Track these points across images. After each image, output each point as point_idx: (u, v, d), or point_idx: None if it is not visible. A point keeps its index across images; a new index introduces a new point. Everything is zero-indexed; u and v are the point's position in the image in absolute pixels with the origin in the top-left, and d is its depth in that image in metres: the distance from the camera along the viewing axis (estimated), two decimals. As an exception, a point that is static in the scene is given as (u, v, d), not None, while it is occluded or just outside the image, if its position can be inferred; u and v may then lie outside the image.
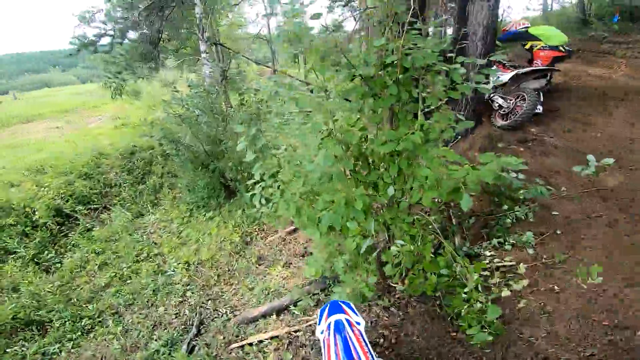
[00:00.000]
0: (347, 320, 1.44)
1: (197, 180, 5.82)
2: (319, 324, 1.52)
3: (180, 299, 3.94)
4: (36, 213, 5.14)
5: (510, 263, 2.98)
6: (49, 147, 9.15)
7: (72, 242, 4.91)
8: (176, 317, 3.68)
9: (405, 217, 2.11)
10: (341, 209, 1.57)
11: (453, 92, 1.74)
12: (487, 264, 3.02)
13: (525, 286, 2.69)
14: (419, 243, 2.17)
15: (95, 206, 6.22)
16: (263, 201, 2.52)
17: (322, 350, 1.38)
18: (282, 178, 2.14)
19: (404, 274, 2.28)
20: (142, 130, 6.25)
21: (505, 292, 2.71)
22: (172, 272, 4.35)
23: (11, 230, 4.92)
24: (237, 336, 3.15)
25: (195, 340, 3.19)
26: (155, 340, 3.23)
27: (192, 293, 4.01)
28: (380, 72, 1.65)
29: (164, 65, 10.22)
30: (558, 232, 3.15)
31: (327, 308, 1.53)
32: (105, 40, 6.08)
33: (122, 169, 7.65)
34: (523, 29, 5.21)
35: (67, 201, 5.95)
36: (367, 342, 1.36)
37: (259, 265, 4.38)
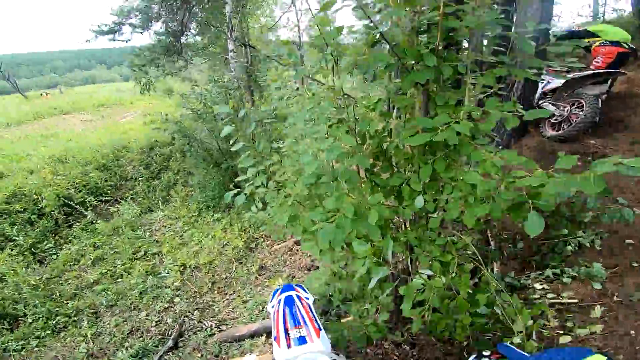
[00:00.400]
0: (297, 296, 1.52)
1: (209, 179, 5.52)
2: (270, 302, 1.59)
3: (166, 305, 3.55)
4: (43, 201, 5.02)
5: (571, 300, 2.31)
6: (78, 138, 9.38)
7: (74, 234, 4.72)
8: (157, 325, 3.28)
9: (435, 238, 1.56)
10: (347, 222, 1.06)
11: (520, 71, 1.19)
12: (537, 298, 2.38)
13: (594, 331, 2.01)
14: (454, 274, 1.60)
15: (106, 198, 6.09)
16: (259, 205, 2.06)
17: (272, 321, 1.45)
18: (277, 177, 1.68)
19: (427, 315, 1.70)
20: (162, 126, 6.12)
21: (565, 338, 2.04)
22: (166, 274, 3.98)
23: (17, 216, 4.82)
24: (216, 356, 2.68)
25: (168, 354, 2.75)
26: (126, 348, 2.84)
27: (181, 299, 3.61)
28: (412, 38, 1.16)
29: (192, 63, 10.26)
30: (634, 264, 2.43)
31: (279, 290, 1.61)
32: (126, 30, 6.04)
33: (141, 163, 7.59)
34: (581, 30, 4.47)
35: (80, 191, 5.86)
36: (315, 313, 1.43)
37: (260, 275, 3.91)
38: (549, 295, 2.38)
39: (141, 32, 6.25)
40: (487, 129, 1.13)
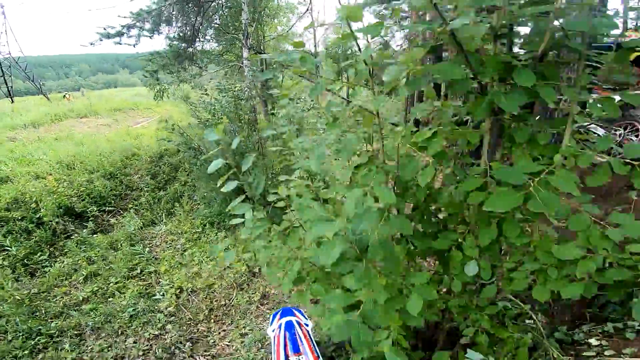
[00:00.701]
0: (297, 322, 1.54)
1: (214, 194, 5.23)
2: (270, 325, 1.61)
3: (157, 332, 3.21)
4: (42, 210, 4.82)
5: (635, 359, 1.87)
6: (90, 142, 9.34)
7: (70, 246, 4.47)
8: (144, 355, 2.95)
9: (487, 308, 1.18)
10: (377, 311, 0.70)
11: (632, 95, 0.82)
12: (595, 357, 1.95)
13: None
14: (512, 351, 1.21)
15: (109, 208, 5.88)
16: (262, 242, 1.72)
17: (272, 346, 1.47)
18: (277, 226, 1.35)
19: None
20: (169, 136, 5.90)
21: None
22: (160, 297, 3.66)
23: (15, 225, 4.63)
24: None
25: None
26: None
27: (173, 327, 3.26)
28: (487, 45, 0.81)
29: (206, 71, 10.20)
30: None
31: (280, 312, 1.63)
32: (134, 33, 5.91)
33: (148, 172, 7.41)
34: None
35: (82, 200, 5.67)
36: (314, 341, 1.44)
37: (262, 304, 3.55)
38: (608, 353, 1.95)
39: (150, 36, 6.12)
40: (598, 182, 0.76)
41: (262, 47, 10.16)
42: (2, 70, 17.90)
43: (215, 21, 7.18)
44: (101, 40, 5.88)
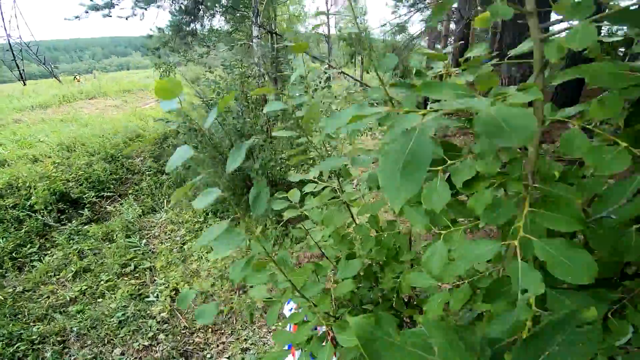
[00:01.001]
0: None
1: (217, 180, 4.77)
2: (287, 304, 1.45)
3: (147, 342, 2.83)
4: (32, 198, 4.49)
5: None
6: (95, 123, 9.03)
7: (60, 238, 4.13)
8: None
9: None
10: None
11: None
12: None
13: None
14: None
15: (108, 194, 5.53)
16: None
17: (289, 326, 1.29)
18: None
19: None
20: (165, 116, 5.42)
21: None
22: (154, 300, 3.27)
23: (7, 213, 4.32)
24: None
25: None
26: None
27: (166, 337, 2.88)
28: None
29: (214, 50, 9.60)
30: None
31: None
32: (127, 5, 5.33)
33: (151, 154, 7.02)
34: None
35: (80, 184, 5.32)
36: None
37: (266, 312, 3.12)
38: None
39: (145, 8, 5.53)
40: None
41: (274, 26, 9.43)
42: (13, 54, 17.80)
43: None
44: (87, 12, 5.34)
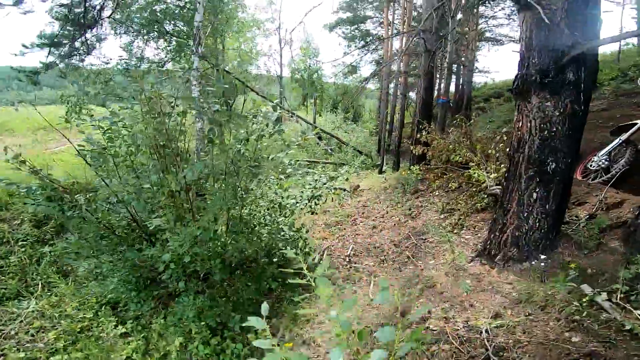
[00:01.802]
0: None
1: (113, 266, 3.14)
2: None
3: None
4: None
5: None
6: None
7: None
8: None
9: None
10: None
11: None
12: None
13: None
14: None
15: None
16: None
17: None
18: None
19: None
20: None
21: None
22: None
23: None
24: None
25: None
26: None
27: None
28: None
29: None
30: None
31: None
32: None
33: (33, 217, 5.06)
34: None
35: None
36: None
37: None
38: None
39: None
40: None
41: (222, 58, 8.42)
42: None
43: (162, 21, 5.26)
44: None
